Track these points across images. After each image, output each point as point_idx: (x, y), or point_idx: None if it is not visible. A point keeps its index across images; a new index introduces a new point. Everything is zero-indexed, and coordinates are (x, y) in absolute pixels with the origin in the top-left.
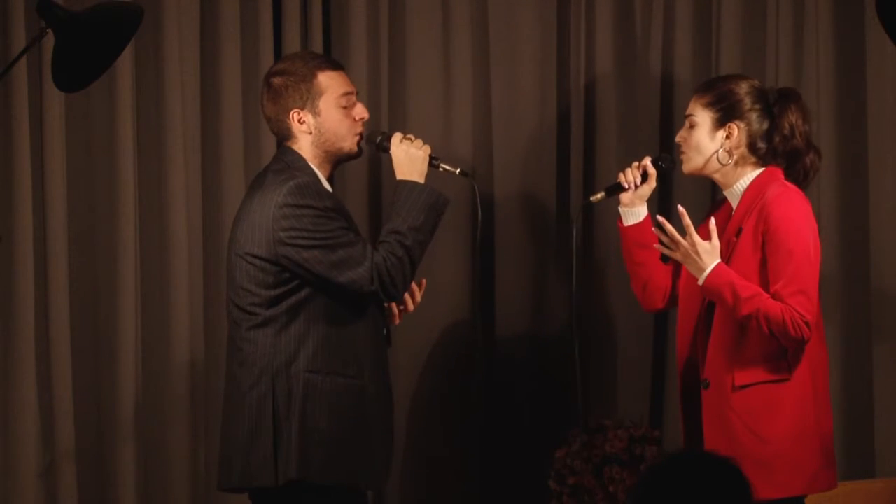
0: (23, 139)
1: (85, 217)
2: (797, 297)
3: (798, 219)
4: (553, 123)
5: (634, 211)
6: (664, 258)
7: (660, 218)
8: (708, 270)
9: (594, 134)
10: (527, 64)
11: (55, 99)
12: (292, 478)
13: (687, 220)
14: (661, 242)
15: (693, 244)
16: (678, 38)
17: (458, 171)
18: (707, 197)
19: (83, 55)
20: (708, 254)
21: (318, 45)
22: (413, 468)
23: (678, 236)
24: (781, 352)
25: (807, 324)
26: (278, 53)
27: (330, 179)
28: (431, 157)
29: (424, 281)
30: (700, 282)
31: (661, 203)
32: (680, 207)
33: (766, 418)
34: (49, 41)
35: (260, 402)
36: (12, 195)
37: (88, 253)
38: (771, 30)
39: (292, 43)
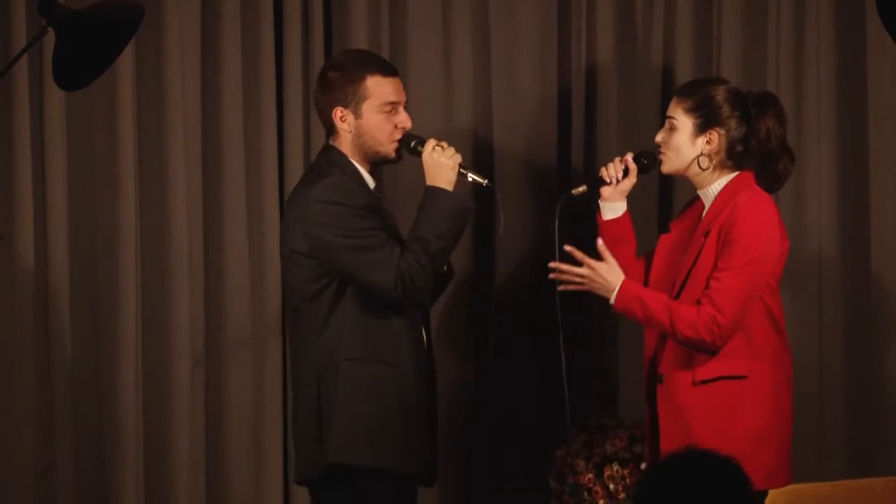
0: (23, 139)
1: (85, 216)
2: (727, 308)
3: (758, 233)
4: (553, 122)
5: (614, 206)
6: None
7: (567, 248)
8: (616, 289)
9: (594, 133)
10: (527, 63)
11: (55, 99)
12: (336, 461)
13: (578, 254)
14: (559, 273)
15: (592, 269)
16: (678, 38)
17: (485, 182)
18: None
19: (84, 54)
20: (610, 272)
21: (318, 45)
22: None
23: (576, 270)
24: (743, 349)
25: (720, 335)
26: (279, 53)
27: (375, 177)
28: (460, 167)
29: None
30: (612, 301)
31: (662, 200)
32: (567, 247)
33: (726, 414)
34: (50, 40)
35: (309, 395)
36: (12, 195)
37: (88, 252)
38: (771, 29)
39: (293, 43)
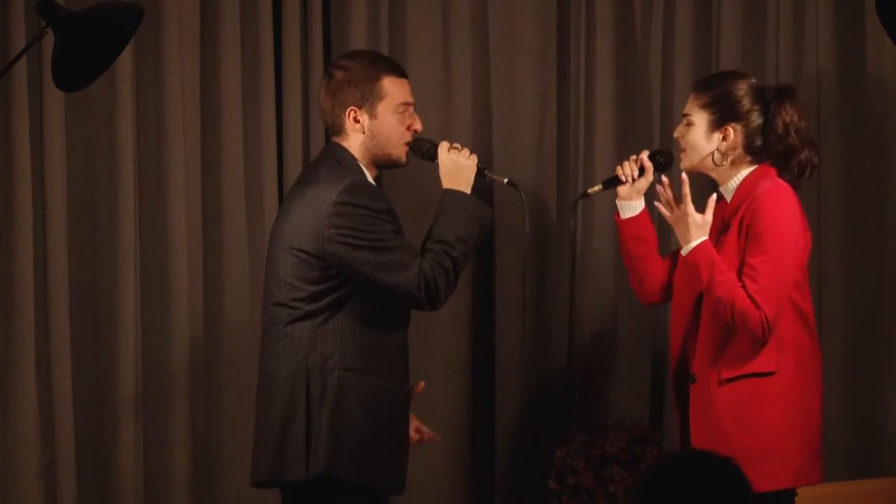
0: (23, 139)
1: (84, 217)
2: (770, 305)
3: (783, 221)
4: (553, 123)
5: (632, 204)
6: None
7: (664, 179)
8: (693, 243)
9: (594, 134)
10: (527, 64)
11: (55, 99)
12: (320, 472)
13: (686, 188)
14: (662, 193)
15: (686, 214)
16: (678, 38)
17: (505, 181)
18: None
19: (83, 55)
20: (697, 227)
21: (317, 46)
22: (413, 469)
23: (673, 204)
24: (770, 345)
25: (769, 329)
26: (278, 54)
27: (376, 181)
28: (479, 167)
29: (422, 383)
30: (683, 252)
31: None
32: (683, 175)
33: (753, 411)
34: (49, 40)
35: (293, 394)
36: (12, 195)
37: (88, 252)
38: (771, 29)
39: (291, 43)
